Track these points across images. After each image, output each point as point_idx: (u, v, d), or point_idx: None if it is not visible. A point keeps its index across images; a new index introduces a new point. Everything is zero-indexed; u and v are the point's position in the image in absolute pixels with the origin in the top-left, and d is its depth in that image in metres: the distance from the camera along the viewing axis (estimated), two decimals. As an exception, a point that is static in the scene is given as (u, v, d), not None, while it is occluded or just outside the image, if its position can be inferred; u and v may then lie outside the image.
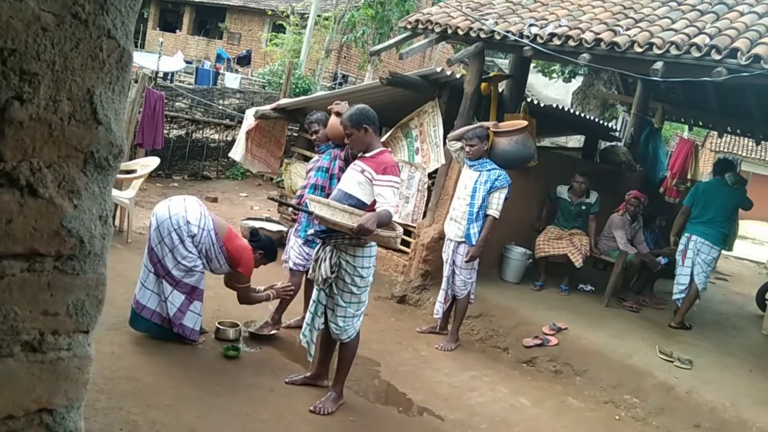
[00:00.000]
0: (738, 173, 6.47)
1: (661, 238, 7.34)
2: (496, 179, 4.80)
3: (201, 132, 9.83)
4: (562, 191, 6.51)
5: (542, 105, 7.21)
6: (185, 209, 3.90)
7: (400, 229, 3.53)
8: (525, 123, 5.24)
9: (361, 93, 6.69)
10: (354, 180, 3.46)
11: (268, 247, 4.29)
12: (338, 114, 4.10)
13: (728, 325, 6.75)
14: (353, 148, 3.56)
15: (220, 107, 10.00)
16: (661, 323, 6.03)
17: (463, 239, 4.91)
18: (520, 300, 5.84)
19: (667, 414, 4.33)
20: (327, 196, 3.94)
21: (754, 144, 12.34)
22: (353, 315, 3.52)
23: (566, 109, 8.58)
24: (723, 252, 8.77)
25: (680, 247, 6.00)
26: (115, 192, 6.09)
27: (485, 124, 5.18)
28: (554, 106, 7.75)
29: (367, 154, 3.47)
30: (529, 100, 6.95)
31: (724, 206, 5.89)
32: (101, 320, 3.84)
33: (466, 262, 4.89)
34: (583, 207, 6.44)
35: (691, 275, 5.84)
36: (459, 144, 5.02)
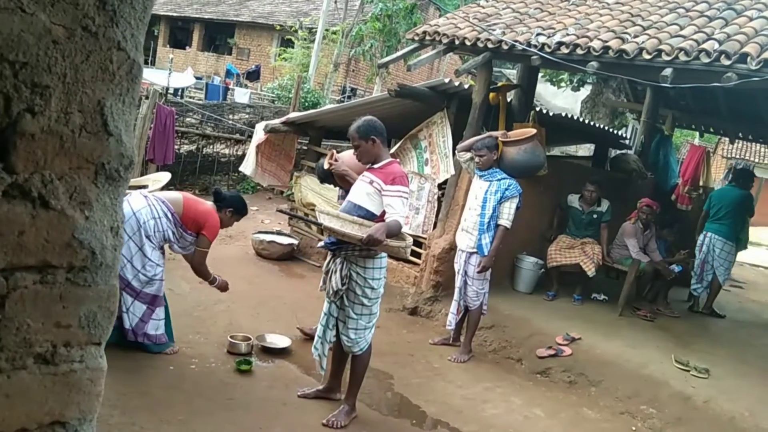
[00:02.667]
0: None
1: (673, 246, 7.27)
2: (506, 189, 4.78)
3: (211, 147, 9.90)
4: (573, 200, 6.47)
5: (551, 114, 7.19)
6: (132, 210, 3.76)
7: (410, 239, 3.52)
8: (534, 131, 5.22)
9: (370, 105, 6.71)
10: (363, 191, 3.47)
11: (236, 204, 4.16)
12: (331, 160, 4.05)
13: (744, 333, 6.65)
14: (362, 160, 3.56)
15: (230, 122, 10.08)
16: (676, 332, 5.96)
17: (474, 250, 4.89)
18: (532, 310, 5.79)
19: (684, 424, 4.26)
20: None
21: (766, 149, 12.22)
22: (365, 327, 3.51)
23: (575, 117, 8.56)
24: (738, 259, 8.69)
25: (698, 243, 7.01)
26: (126, 207, 6.13)
27: (494, 133, 5.17)
28: (563, 115, 7.73)
29: (376, 165, 3.48)
30: (537, 109, 6.94)
31: (734, 207, 6.87)
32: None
33: (479, 272, 4.87)
34: (595, 216, 6.40)
35: (713, 271, 6.84)
36: (468, 155, 5.01)
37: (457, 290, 5.07)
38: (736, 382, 4.89)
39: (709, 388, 4.64)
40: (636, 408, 4.45)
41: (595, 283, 6.43)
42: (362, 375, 3.62)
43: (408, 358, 4.83)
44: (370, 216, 3.39)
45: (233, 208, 4.14)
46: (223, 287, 4.18)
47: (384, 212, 3.37)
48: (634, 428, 4.28)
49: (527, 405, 4.35)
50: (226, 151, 10.09)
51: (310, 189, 7.34)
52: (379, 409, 3.90)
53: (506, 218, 4.79)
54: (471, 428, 3.84)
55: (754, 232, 7.58)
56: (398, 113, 6.41)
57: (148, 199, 3.88)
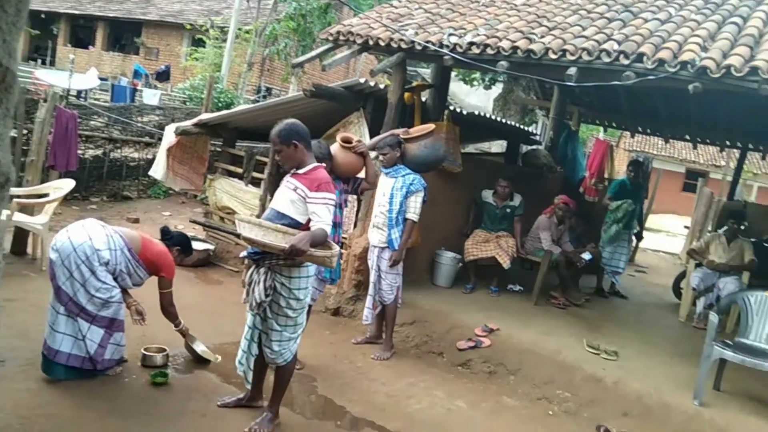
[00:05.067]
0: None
1: (583, 237, 7.62)
2: (411, 184, 4.88)
3: (119, 151, 9.46)
4: (487, 195, 6.66)
5: (465, 112, 7.36)
6: (89, 236, 3.67)
7: (337, 248, 3.39)
8: (432, 127, 5.32)
9: (286, 106, 6.63)
10: (286, 198, 3.34)
11: (182, 243, 4.28)
12: (347, 144, 4.16)
13: (649, 316, 7.09)
14: (284, 165, 3.47)
15: (139, 124, 9.67)
16: (587, 318, 6.27)
17: (386, 245, 4.95)
18: (452, 304, 5.92)
19: (597, 405, 4.49)
20: None
21: (663, 142, 13.06)
22: (289, 338, 3.41)
23: (488, 115, 8.81)
24: (641, 246, 9.24)
25: None
26: (26, 218, 5.75)
27: (396, 131, 5.24)
28: (476, 113, 7.93)
29: (300, 171, 3.36)
30: (452, 108, 7.09)
31: None
32: (14, 356, 3.61)
33: (390, 266, 4.93)
34: (508, 210, 6.61)
35: None
36: (373, 154, 5.06)
37: (371, 285, 5.11)
38: (643, 362, 5.19)
39: (618, 370, 4.90)
40: (552, 393, 4.64)
41: (511, 275, 6.65)
42: (286, 384, 3.55)
43: (331, 359, 4.81)
44: (294, 224, 3.27)
45: (180, 246, 4.24)
46: (185, 334, 4.24)
47: (309, 220, 3.29)
48: (551, 412, 4.46)
49: (450, 397, 4.43)
50: (136, 155, 9.68)
51: (225, 192, 7.16)
52: (303, 413, 3.86)
53: (413, 212, 4.90)
54: (395, 425, 3.87)
55: (655, 220, 8.07)
56: (315, 113, 6.36)
57: (106, 229, 3.81)
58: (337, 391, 4.22)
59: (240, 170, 7.28)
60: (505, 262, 6.26)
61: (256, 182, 7.07)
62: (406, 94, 6.14)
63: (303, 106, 6.32)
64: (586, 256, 6.80)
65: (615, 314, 6.83)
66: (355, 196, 6.22)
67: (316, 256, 3.18)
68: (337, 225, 4.22)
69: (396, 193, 4.89)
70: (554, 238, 6.68)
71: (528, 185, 7.17)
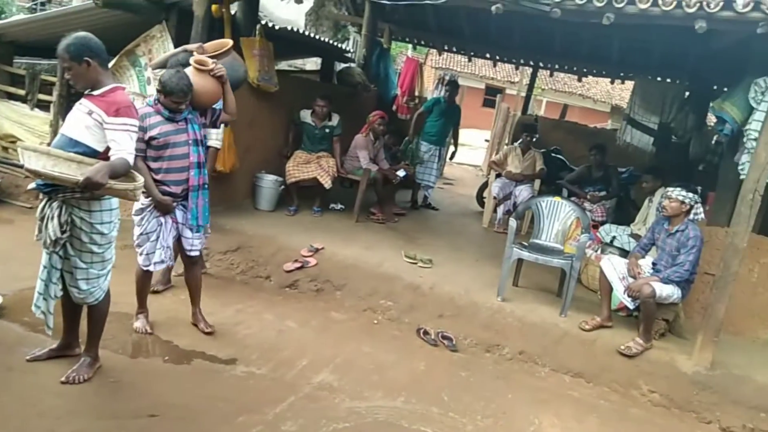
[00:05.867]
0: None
1: (399, 154, 7.95)
2: None
3: None
4: (306, 115, 6.59)
5: (277, 27, 7.06)
6: None
7: (141, 179, 3.08)
8: (230, 43, 4.79)
9: (73, 17, 5.82)
10: (81, 123, 2.94)
11: None
12: (203, 66, 3.69)
13: (457, 224, 7.74)
14: (76, 85, 3.04)
15: None
16: (404, 230, 6.67)
17: None
18: (276, 227, 5.90)
19: (416, 310, 4.87)
20: None
21: (467, 60, 13.80)
22: (98, 276, 3.14)
23: (301, 30, 8.56)
24: (448, 160, 9.89)
25: None
26: None
27: (189, 47, 4.70)
28: (289, 28, 7.66)
29: (95, 92, 2.97)
30: (263, 22, 6.75)
31: None
32: None
33: None
34: (327, 130, 6.62)
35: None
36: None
37: None
38: (453, 267, 5.70)
39: (433, 276, 5.33)
40: (376, 303, 4.93)
41: (332, 194, 6.78)
42: (102, 324, 3.30)
43: (150, 295, 4.55)
44: (91, 153, 2.91)
45: None
46: None
47: (109, 148, 2.94)
48: (376, 321, 4.75)
49: (279, 319, 4.50)
50: None
51: (5, 118, 6.24)
52: (127, 352, 3.66)
53: (215, 139, 4.63)
54: (227, 352, 3.85)
55: (459, 134, 8.66)
56: (109, 25, 5.67)
57: None
58: (162, 326, 4.05)
59: (22, 92, 6.33)
60: (327, 182, 6.34)
61: (43, 105, 6.22)
62: (214, 6, 5.68)
63: (94, 17, 5.60)
64: (401, 172, 7.13)
65: (428, 225, 7.34)
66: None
67: (116, 189, 2.89)
68: (201, 165, 3.86)
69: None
70: (371, 156, 6.87)
71: (344, 104, 7.21)
